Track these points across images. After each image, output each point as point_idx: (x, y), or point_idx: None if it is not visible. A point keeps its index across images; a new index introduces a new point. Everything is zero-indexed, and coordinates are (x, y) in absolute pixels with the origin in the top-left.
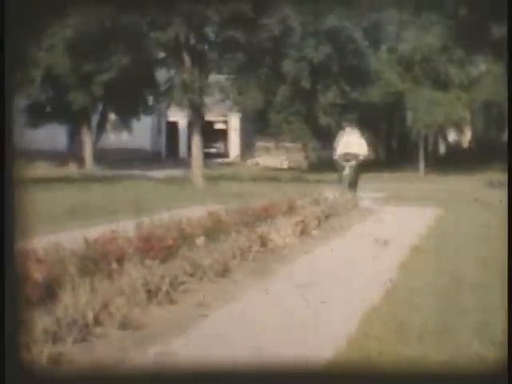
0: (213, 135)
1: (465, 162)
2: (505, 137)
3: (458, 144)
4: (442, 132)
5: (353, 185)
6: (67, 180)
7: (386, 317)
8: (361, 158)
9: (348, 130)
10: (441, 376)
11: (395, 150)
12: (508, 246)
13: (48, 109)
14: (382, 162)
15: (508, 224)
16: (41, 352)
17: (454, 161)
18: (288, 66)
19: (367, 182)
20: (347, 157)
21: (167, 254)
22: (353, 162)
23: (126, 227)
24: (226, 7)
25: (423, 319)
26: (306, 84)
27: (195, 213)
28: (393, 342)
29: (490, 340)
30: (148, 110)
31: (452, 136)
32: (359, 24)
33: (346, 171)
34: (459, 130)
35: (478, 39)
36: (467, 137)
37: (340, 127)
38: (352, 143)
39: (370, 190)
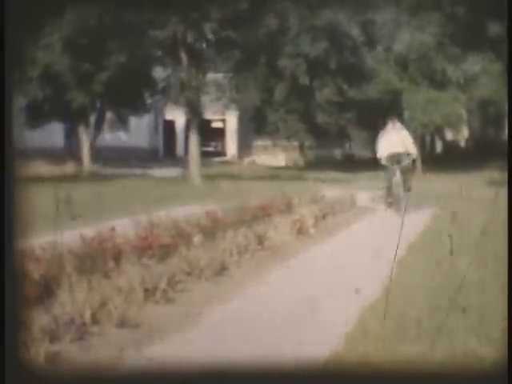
0: (210, 134)
1: (462, 161)
2: (502, 135)
3: (455, 143)
4: (439, 131)
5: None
6: (65, 179)
7: (383, 314)
8: (412, 157)
9: (390, 125)
10: (440, 375)
11: None
12: (508, 245)
13: (46, 107)
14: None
15: (508, 223)
16: (39, 351)
17: (452, 159)
18: (285, 62)
19: (365, 181)
20: (396, 158)
21: (165, 252)
22: (403, 164)
23: (124, 226)
24: (223, 5)
25: (420, 318)
26: (304, 80)
27: (193, 211)
28: (390, 340)
29: (489, 339)
30: (145, 109)
31: (449, 135)
32: (356, 22)
33: (397, 177)
34: (456, 128)
35: (475, 37)
36: (464, 135)
37: (383, 122)
38: (397, 141)
39: (368, 188)
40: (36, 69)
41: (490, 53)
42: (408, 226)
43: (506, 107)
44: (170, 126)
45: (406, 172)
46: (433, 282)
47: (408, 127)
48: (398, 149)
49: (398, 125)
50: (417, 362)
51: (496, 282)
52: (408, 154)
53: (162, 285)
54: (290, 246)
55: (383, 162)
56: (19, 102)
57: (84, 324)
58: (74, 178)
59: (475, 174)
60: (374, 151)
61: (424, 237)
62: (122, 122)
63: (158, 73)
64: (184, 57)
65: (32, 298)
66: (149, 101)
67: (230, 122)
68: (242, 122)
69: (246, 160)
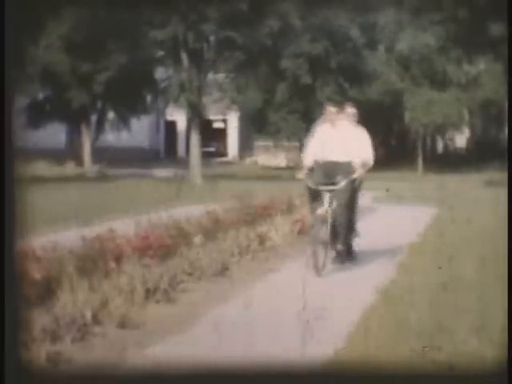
0: (211, 134)
1: (463, 161)
2: (503, 135)
3: (456, 143)
4: (440, 131)
5: (339, 235)
6: (65, 179)
7: (384, 315)
8: (358, 172)
9: (331, 113)
10: (440, 375)
11: (394, 149)
12: (508, 245)
13: (47, 108)
14: (380, 160)
15: (508, 223)
16: (40, 351)
17: (453, 160)
18: (286, 63)
19: (366, 181)
20: (329, 174)
21: (166, 252)
22: (338, 186)
23: (125, 226)
24: (224, 6)
25: (420, 318)
26: (306, 79)
27: (194, 212)
28: (391, 340)
29: (489, 339)
30: (146, 109)
31: (450, 135)
32: (358, 22)
33: (324, 209)
34: (457, 129)
35: (476, 39)
36: (465, 136)
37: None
38: (339, 143)
39: (369, 188)
40: (37, 69)
41: (490, 53)
42: (409, 225)
43: (507, 107)
44: (171, 126)
45: (343, 202)
46: (433, 283)
47: (410, 127)
48: (338, 156)
49: (351, 114)
50: (417, 362)
51: (496, 281)
52: (352, 169)
53: (163, 285)
54: (291, 246)
55: (301, 176)
56: (20, 102)
57: (85, 324)
58: (75, 178)
59: (476, 174)
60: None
61: (425, 236)
62: (123, 123)
63: (159, 73)
64: (185, 57)
65: (33, 299)
66: (149, 101)
67: (231, 122)
68: (243, 122)
69: (248, 160)
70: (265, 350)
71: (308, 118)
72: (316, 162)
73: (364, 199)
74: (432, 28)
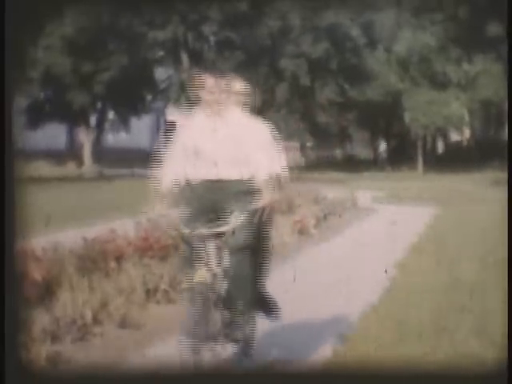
0: None
1: (463, 161)
2: (504, 135)
3: (456, 143)
4: (440, 131)
5: (240, 312)
6: (66, 179)
7: (384, 315)
8: (267, 196)
9: (212, 91)
10: (440, 376)
11: (394, 149)
12: (508, 245)
13: (47, 108)
14: (380, 161)
15: (508, 223)
16: (40, 351)
17: (453, 160)
18: (286, 63)
19: (365, 180)
20: (212, 203)
21: (166, 252)
22: (233, 225)
23: (125, 226)
24: (224, 6)
25: (420, 318)
26: (305, 81)
27: None
28: (391, 341)
29: (489, 340)
30: (147, 109)
31: (450, 135)
32: (357, 22)
33: (204, 269)
34: (458, 128)
35: (476, 38)
36: (466, 136)
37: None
38: (228, 143)
39: (369, 189)
40: (37, 69)
41: (490, 53)
42: (409, 225)
43: (507, 107)
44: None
45: (244, 251)
46: (434, 283)
47: (410, 127)
48: (228, 171)
49: (240, 95)
50: (417, 363)
51: (496, 282)
52: (254, 192)
53: (164, 285)
54: (291, 246)
55: (157, 208)
56: (20, 103)
57: (85, 325)
58: (75, 178)
59: (477, 174)
60: (373, 151)
61: (426, 237)
62: (123, 123)
63: (159, 74)
64: (185, 57)
65: (33, 299)
66: (150, 101)
67: None
68: None
69: None
70: (265, 350)
71: (308, 119)
72: (186, 184)
73: (364, 199)
74: (431, 28)
